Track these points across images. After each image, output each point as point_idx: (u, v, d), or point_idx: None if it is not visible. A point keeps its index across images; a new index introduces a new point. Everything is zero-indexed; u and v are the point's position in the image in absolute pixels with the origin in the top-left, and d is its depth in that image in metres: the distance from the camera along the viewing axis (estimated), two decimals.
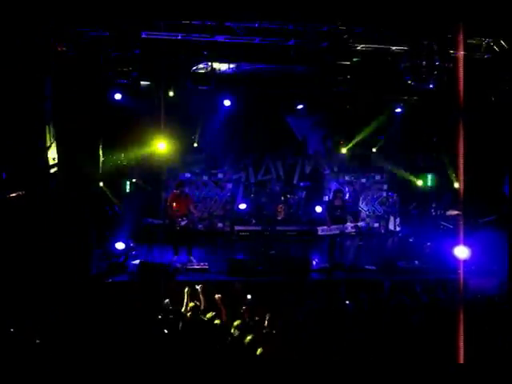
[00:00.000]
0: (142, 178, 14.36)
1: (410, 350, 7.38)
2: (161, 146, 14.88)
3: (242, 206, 15.59)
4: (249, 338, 7.58)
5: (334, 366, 6.90)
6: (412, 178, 16.11)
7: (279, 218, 15.99)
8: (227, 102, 14.08)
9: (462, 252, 11.99)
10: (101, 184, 13.38)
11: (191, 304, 9.24)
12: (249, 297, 9.35)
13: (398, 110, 15.29)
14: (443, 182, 15.31)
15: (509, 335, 7.89)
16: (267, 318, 8.41)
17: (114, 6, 9.82)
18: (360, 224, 13.67)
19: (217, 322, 8.27)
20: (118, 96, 13.39)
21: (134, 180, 14.60)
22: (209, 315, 8.55)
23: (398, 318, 8.77)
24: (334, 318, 8.88)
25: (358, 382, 6.66)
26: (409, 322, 8.59)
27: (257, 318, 8.46)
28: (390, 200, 13.72)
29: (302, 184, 16.96)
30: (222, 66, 13.10)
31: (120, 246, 11.94)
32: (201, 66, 12.70)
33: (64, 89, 11.25)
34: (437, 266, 12.66)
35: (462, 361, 7.13)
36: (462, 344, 7.49)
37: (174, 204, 12.91)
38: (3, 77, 10.14)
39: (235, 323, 8.18)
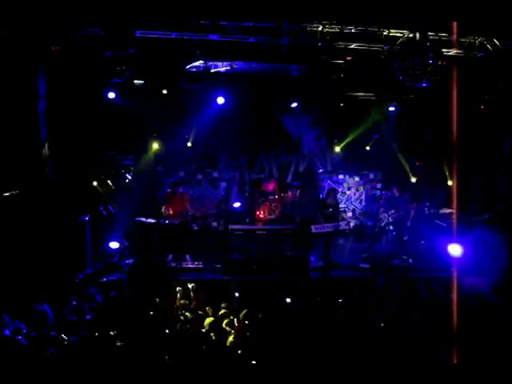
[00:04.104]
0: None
1: (405, 349, 7.40)
2: (155, 145, 14.93)
3: (237, 205, 15.58)
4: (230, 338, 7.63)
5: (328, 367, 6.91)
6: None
7: (273, 217, 15.98)
8: (221, 100, 14.08)
9: (455, 250, 12.09)
10: (95, 183, 13.36)
11: (182, 301, 9.31)
12: (237, 295, 9.38)
13: (392, 108, 15.31)
14: (437, 179, 15.35)
15: (501, 333, 7.92)
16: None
17: (108, 5, 9.80)
18: (353, 222, 13.69)
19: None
20: (111, 95, 13.35)
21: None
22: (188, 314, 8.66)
23: (391, 316, 8.80)
24: (328, 316, 8.92)
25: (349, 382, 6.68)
26: (403, 320, 8.62)
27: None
28: (384, 198, 13.80)
29: (295, 183, 16.95)
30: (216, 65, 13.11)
31: (114, 245, 11.95)
32: (196, 64, 12.68)
33: (58, 88, 11.24)
34: (430, 264, 12.73)
35: (455, 359, 7.15)
36: (455, 342, 7.53)
37: (169, 203, 12.93)
38: None
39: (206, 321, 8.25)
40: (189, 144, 16.12)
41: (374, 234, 13.64)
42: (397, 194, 13.58)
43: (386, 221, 13.04)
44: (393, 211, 13.16)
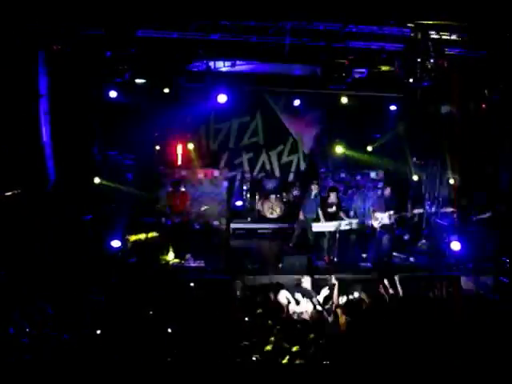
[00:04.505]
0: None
1: (407, 348, 7.41)
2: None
3: (239, 203, 15.64)
4: None
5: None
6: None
7: (274, 216, 16.00)
8: (222, 98, 14.08)
9: (455, 246, 12.17)
10: (96, 181, 13.36)
11: None
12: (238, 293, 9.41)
13: (394, 108, 15.32)
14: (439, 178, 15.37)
15: (501, 331, 7.94)
16: None
17: (110, 5, 9.82)
18: (355, 221, 13.65)
19: None
20: (113, 94, 13.36)
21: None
22: None
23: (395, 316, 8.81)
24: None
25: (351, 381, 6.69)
26: (405, 319, 8.63)
27: None
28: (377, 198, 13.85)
29: (296, 182, 16.96)
30: (218, 64, 13.12)
31: (116, 244, 11.94)
32: (198, 63, 12.70)
33: (59, 87, 11.25)
34: (432, 263, 12.76)
35: (455, 359, 7.16)
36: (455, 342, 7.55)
37: (171, 202, 12.95)
38: None
39: None
40: (190, 143, 16.14)
41: (371, 233, 13.62)
42: (389, 195, 13.56)
43: (382, 221, 13.03)
44: (391, 212, 13.12)
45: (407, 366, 6.83)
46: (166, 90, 13.84)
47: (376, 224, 13.09)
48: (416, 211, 13.84)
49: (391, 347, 7.40)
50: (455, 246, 12.45)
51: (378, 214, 13.06)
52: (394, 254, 13.11)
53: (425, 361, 6.91)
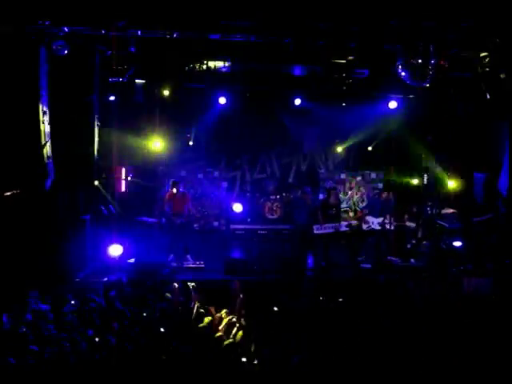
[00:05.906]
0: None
1: (406, 348, 7.38)
2: (156, 145, 14.90)
3: (238, 209, 15.53)
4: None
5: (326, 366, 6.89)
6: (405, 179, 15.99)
7: (274, 217, 15.97)
8: (222, 100, 14.08)
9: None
10: (96, 183, 13.32)
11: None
12: (241, 296, 9.35)
13: (394, 106, 15.29)
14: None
15: (503, 333, 7.91)
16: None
17: (109, 5, 9.80)
18: (354, 222, 13.60)
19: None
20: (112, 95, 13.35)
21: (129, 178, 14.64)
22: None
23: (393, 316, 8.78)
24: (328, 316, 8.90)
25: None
26: (404, 320, 8.61)
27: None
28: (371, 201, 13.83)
29: (296, 183, 16.92)
30: (217, 64, 13.11)
31: (116, 250, 11.82)
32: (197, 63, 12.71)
33: (59, 87, 11.22)
34: (432, 264, 12.72)
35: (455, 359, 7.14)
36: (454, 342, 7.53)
37: (171, 203, 12.92)
38: None
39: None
40: (190, 143, 16.14)
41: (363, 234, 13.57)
42: (384, 198, 13.51)
43: (372, 226, 13.02)
44: (381, 219, 13.06)
45: (407, 366, 6.80)
46: (166, 90, 13.84)
47: (365, 227, 13.07)
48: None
49: (388, 348, 7.38)
50: (457, 243, 12.58)
51: (369, 218, 13.06)
52: (392, 258, 13.04)
53: (424, 361, 6.89)
